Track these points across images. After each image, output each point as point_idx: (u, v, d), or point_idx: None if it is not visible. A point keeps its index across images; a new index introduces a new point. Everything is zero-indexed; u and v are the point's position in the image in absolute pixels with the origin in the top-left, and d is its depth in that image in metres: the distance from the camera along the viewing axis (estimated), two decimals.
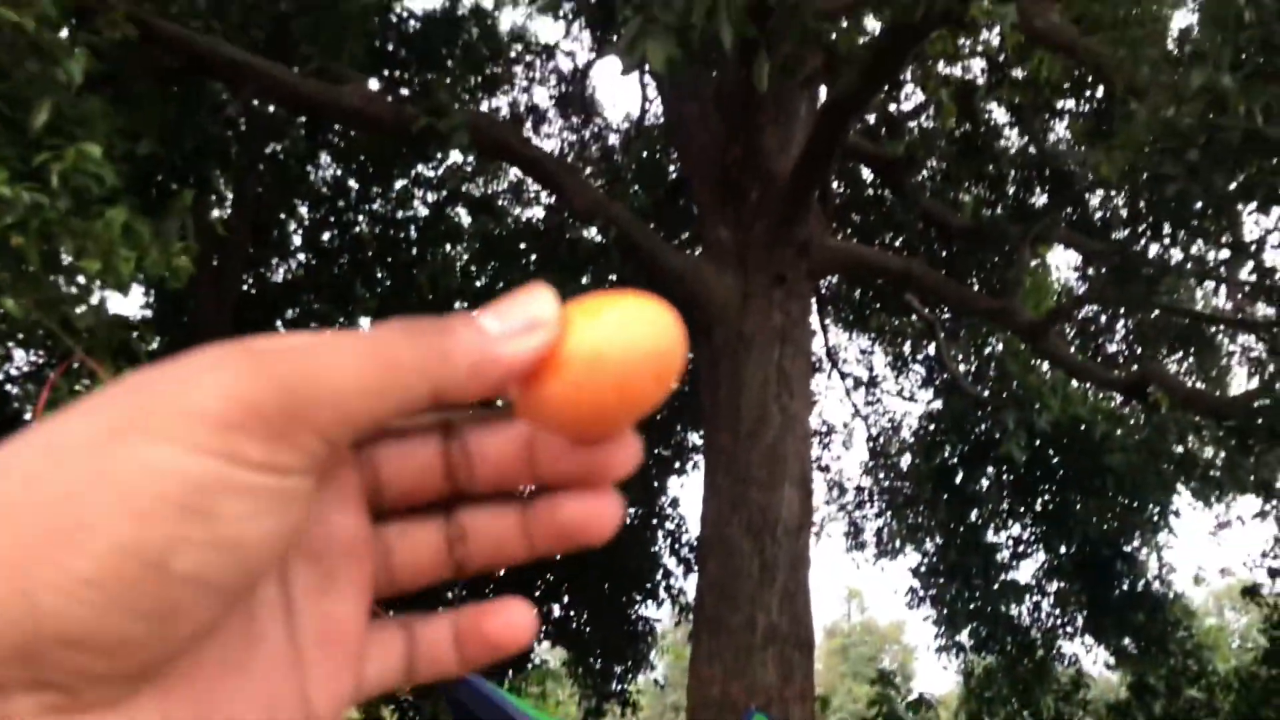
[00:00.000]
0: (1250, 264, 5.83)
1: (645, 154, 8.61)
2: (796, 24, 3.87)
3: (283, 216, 8.73)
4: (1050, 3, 5.34)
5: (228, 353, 0.31)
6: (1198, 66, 3.29)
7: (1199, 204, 5.32)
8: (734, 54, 3.47)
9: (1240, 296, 6.64)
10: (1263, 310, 6.61)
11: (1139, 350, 8.53)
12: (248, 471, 0.30)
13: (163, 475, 0.28)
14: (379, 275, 8.72)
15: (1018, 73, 7.47)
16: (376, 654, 0.39)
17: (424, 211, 8.77)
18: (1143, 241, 7.17)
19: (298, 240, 8.97)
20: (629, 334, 0.36)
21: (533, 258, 8.06)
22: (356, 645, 0.38)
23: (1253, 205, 5.39)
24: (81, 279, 3.96)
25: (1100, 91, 7.28)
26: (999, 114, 8.63)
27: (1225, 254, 6.70)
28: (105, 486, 0.28)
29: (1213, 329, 7.84)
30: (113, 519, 0.28)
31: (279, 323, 8.59)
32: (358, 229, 8.74)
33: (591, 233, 7.99)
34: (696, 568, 6.99)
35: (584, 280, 8.20)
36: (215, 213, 8.04)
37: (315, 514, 0.36)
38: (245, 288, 8.50)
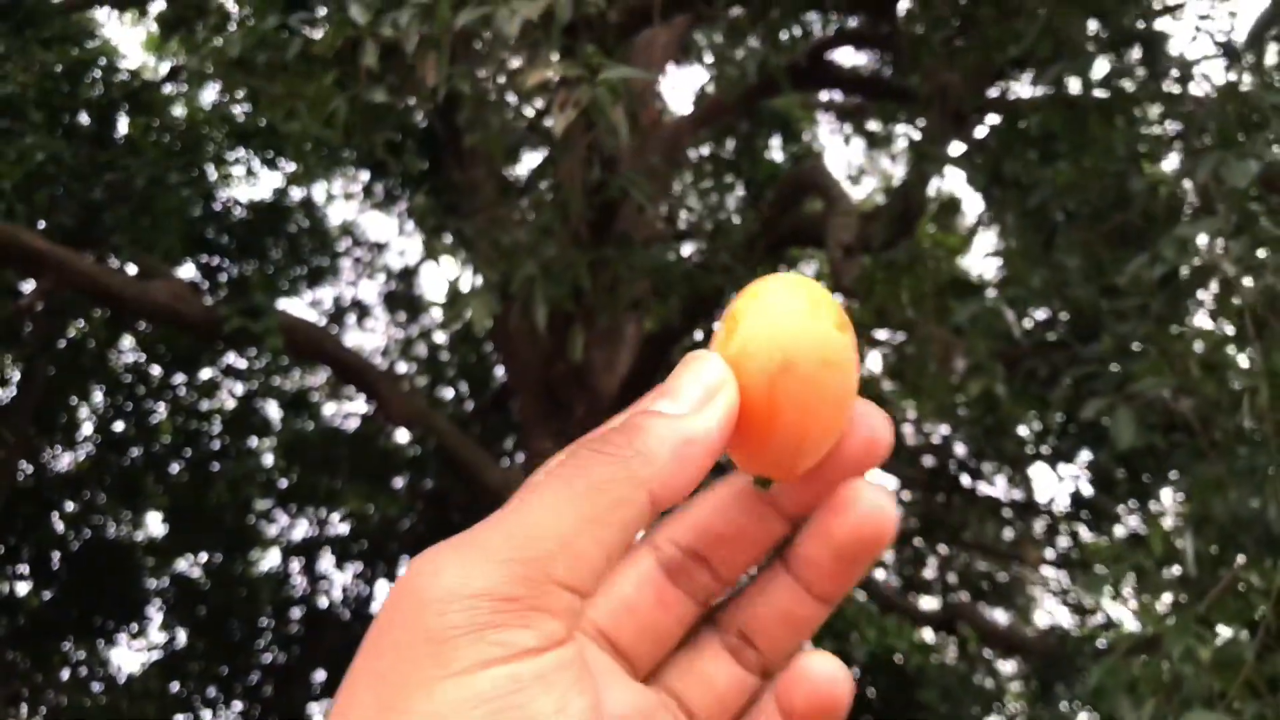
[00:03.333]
0: (1041, 517, 6.17)
1: (471, 358, 8.56)
2: (615, 300, 3.95)
3: (74, 402, 8.16)
4: (858, 262, 5.63)
5: (449, 559, 0.31)
6: (974, 378, 3.51)
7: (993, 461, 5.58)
8: (547, 328, 3.47)
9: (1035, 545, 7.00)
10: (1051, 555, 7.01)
11: (952, 580, 8.84)
12: (531, 659, 0.30)
13: (465, 700, 0.29)
14: (174, 470, 8.20)
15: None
16: None
17: (230, 404, 8.37)
18: (951, 471, 7.48)
19: (89, 428, 8.38)
20: (793, 331, 0.34)
21: (344, 462, 7.75)
22: None
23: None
24: None
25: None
26: None
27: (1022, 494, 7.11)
28: None
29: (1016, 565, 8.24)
30: None
31: (56, 516, 7.91)
32: (154, 418, 8.25)
33: (408, 437, 7.80)
34: None
35: (398, 485, 7.95)
36: None
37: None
38: (21, 479, 7.81)
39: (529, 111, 4.17)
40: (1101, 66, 3.62)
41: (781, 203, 6.25)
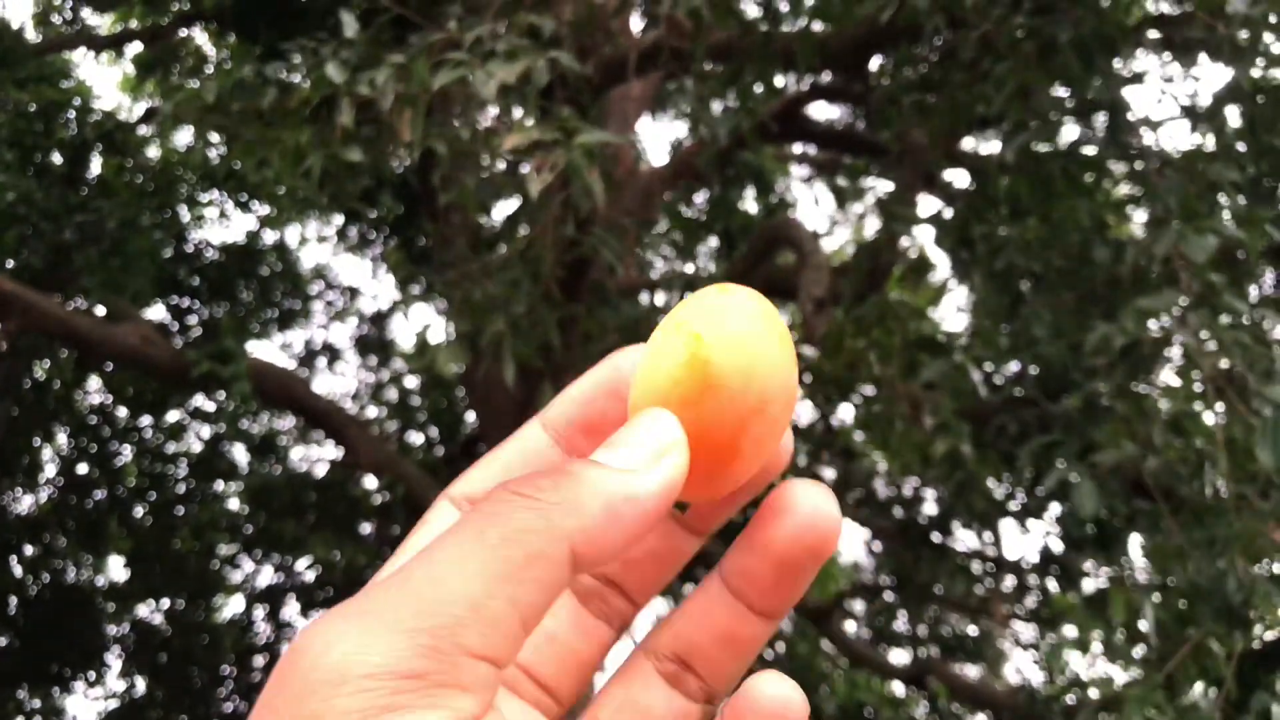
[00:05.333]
0: (1010, 573, 6.19)
1: (442, 403, 8.53)
2: (585, 355, 3.96)
3: (37, 443, 8.04)
4: (829, 316, 5.67)
5: (341, 630, 0.26)
6: (941, 437, 3.54)
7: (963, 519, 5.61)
8: (517, 378, 3.47)
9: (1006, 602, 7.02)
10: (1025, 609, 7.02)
11: (923, 633, 8.82)
12: None
13: None
14: (138, 513, 8.08)
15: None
16: None
17: (197, 447, 8.28)
18: (924, 524, 7.49)
19: (51, 470, 8.25)
20: (768, 368, 0.32)
21: (311, 508, 7.67)
22: None
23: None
24: None
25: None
26: None
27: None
28: None
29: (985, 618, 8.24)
30: None
31: (14, 560, 7.76)
32: (119, 461, 8.14)
33: (375, 485, 7.74)
34: None
35: (365, 532, 7.87)
36: None
37: None
38: None
39: (503, 167, 4.20)
40: (1069, 132, 3.71)
41: (754, 255, 6.31)
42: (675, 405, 0.32)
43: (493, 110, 3.49)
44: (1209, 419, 3.38)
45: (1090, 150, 3.66)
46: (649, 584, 0.37)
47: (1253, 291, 5.78)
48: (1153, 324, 3.22)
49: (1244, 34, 3.38)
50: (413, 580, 0.28)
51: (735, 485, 0.34)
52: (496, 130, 3.31)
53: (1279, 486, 3.22)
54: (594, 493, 0.30)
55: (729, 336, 0.32)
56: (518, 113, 3.42)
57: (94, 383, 8.25)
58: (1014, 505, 5.30)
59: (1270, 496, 3.26)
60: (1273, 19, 3.30)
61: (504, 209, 6.06)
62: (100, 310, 7.10)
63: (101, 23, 7.81)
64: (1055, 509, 5.10)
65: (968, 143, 5.49)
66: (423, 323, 9.16)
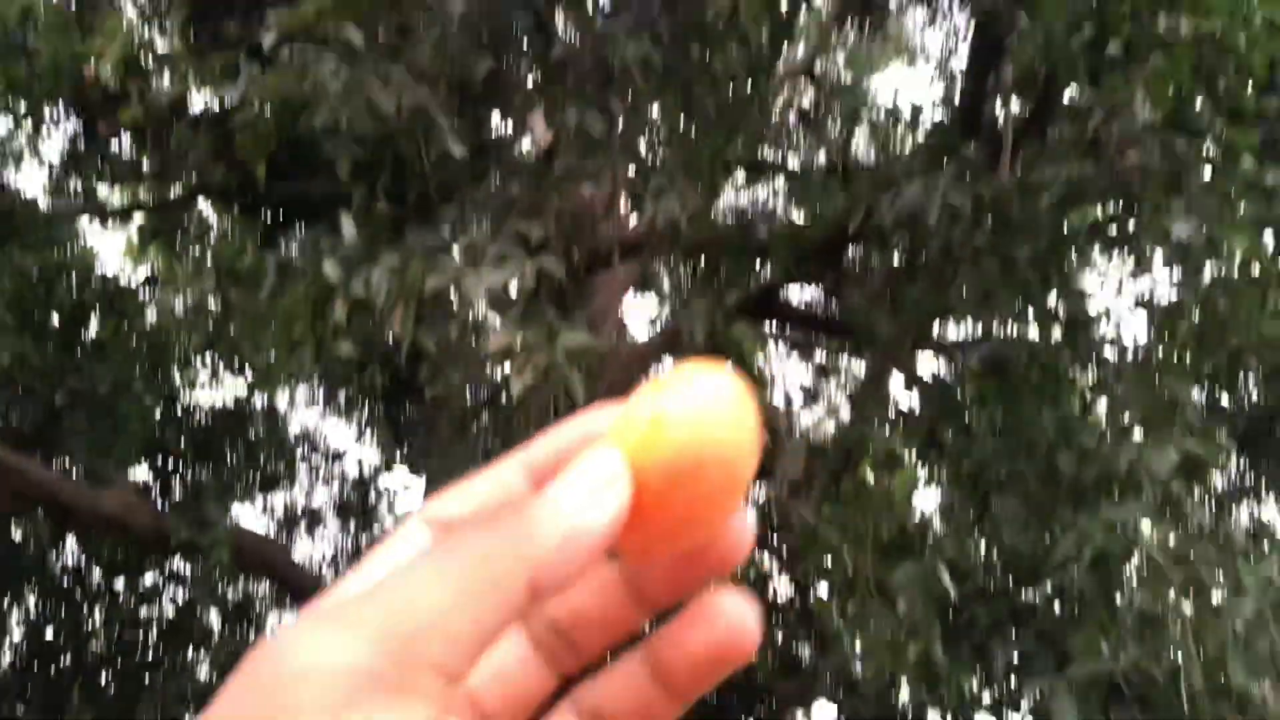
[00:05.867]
0: None
1: None
2: None
3: (4, 607, 7.90)
4: (804, 501, 5.72)
5: (310, 629, 0.28)
6: (912, 639, 3.55)
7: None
8: None
9: None
10: None
11: None
12: None
13: None
14: (104, 682, 7.86)
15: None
16: None
17: (170, 611, 8.14)
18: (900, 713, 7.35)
19: (18, 634, 8.07)
20: (698, 423, 0.33)
21: None
22: None
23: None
24: None
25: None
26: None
27: None
28: None
29: None
30: None
31: None
32: (89, 625, 7.98)
33: None
34: None
35: None
36: None
37: None
38: None
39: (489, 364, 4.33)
40: (1030, 340, 3.87)
41: None
42: (629, 461, 0.35)
43: (482, 310, 3.64)
44: (1179, 629, 3.41)
45: (1051, 357, 3.81)
46: (596, 644, 0.39)
47: (1219, 481, 5.88)
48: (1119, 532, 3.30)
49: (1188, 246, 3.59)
50: (384, 592, 0.29)
51: (676, 547, 0.36)
52: (484, 330, 3.45)
53: (1255, 701, 3.23)
54: (552, 527, 0.32)
55: (690, 412, 0.35)
56: (501, 317, 3.57)
57: (70, 542, 8.17)
58: (988, 699, 5.24)
59: (1247, 711, 3.27)
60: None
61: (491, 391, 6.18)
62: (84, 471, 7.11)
63: (111, 194, 8.10)
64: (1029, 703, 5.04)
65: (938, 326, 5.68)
66: (405, 487, 9.15)
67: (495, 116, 5.44)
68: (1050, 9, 3.78)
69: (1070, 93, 4.30)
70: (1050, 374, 3.91)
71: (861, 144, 7.86)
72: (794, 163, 8.76)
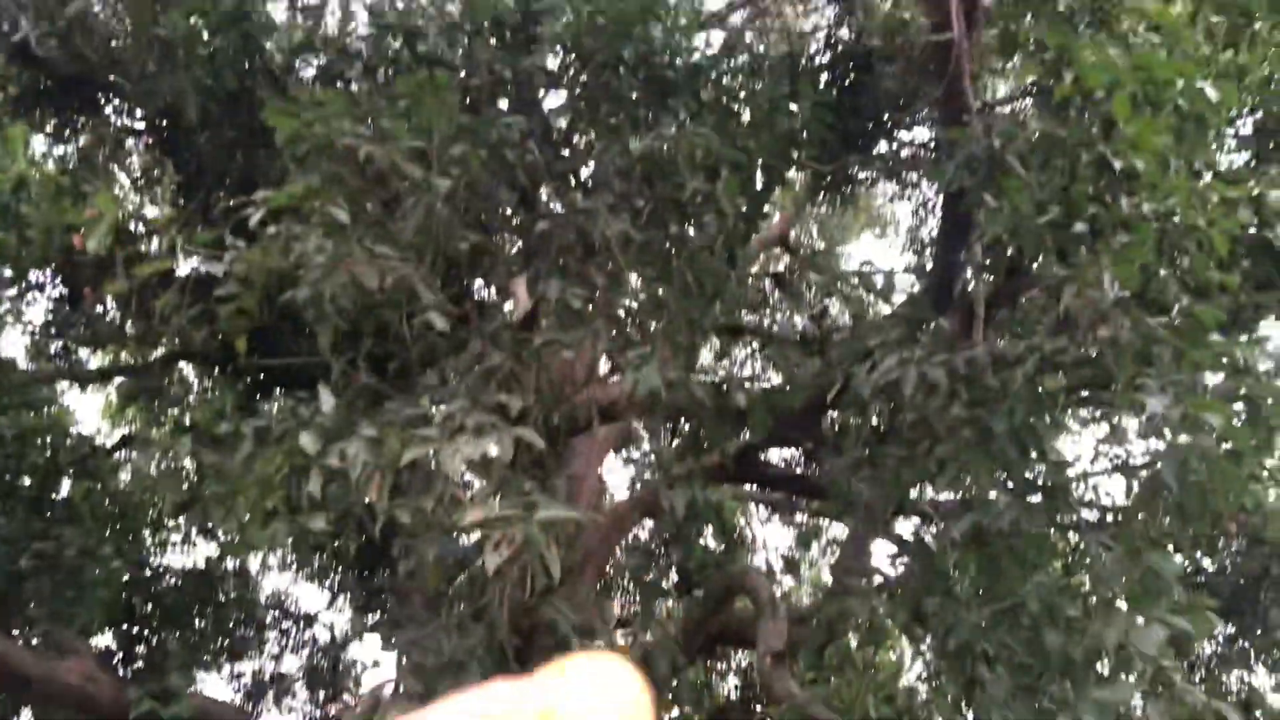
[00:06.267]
0: None
1: None
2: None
3: None
4: (786, 671, 5.57)
5: None
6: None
7: None
8: None
9: None
10: None
11: None
12: None
13: None
14: None
15: None
16: None
17: None
18: None
19: None
20: None
21: None
22: None
23: None
24: None
25: None
26: None
27: None
28: None
29: None
30: None
31: None
32: None
33: None
34: None
35: None
36: None
37: None
38: None
39: (464, 539, 4.28)
40: (1009, 513, 3.84)
41: (711, 601, 6.29)
42: None
43: (456, 481, 3.61)
44: None
45: (1033, 528, 3.79)
46: None
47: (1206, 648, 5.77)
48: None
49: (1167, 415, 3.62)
50: None
51: None
52: (460, 502, 3.41)
53: None
54: None
55: (580, 712, 0.35)
56: (478, 486, 3.54)
57: (25, 716, 7.81)
58: None
59: None
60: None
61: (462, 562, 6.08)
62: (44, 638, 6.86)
63: (92, 357, 8.12)
64: None
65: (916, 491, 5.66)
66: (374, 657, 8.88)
67: (477, 283, 5.55)
68: (1015, 191, 3.94)
69: (1038, 265, 4.43)
70: (1032, 542, 3.88)
71: (835, 309, 8.03)
72: (769, 326, 8.92)
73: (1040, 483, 3.79)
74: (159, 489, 8.08)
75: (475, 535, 3.45)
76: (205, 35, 6.46)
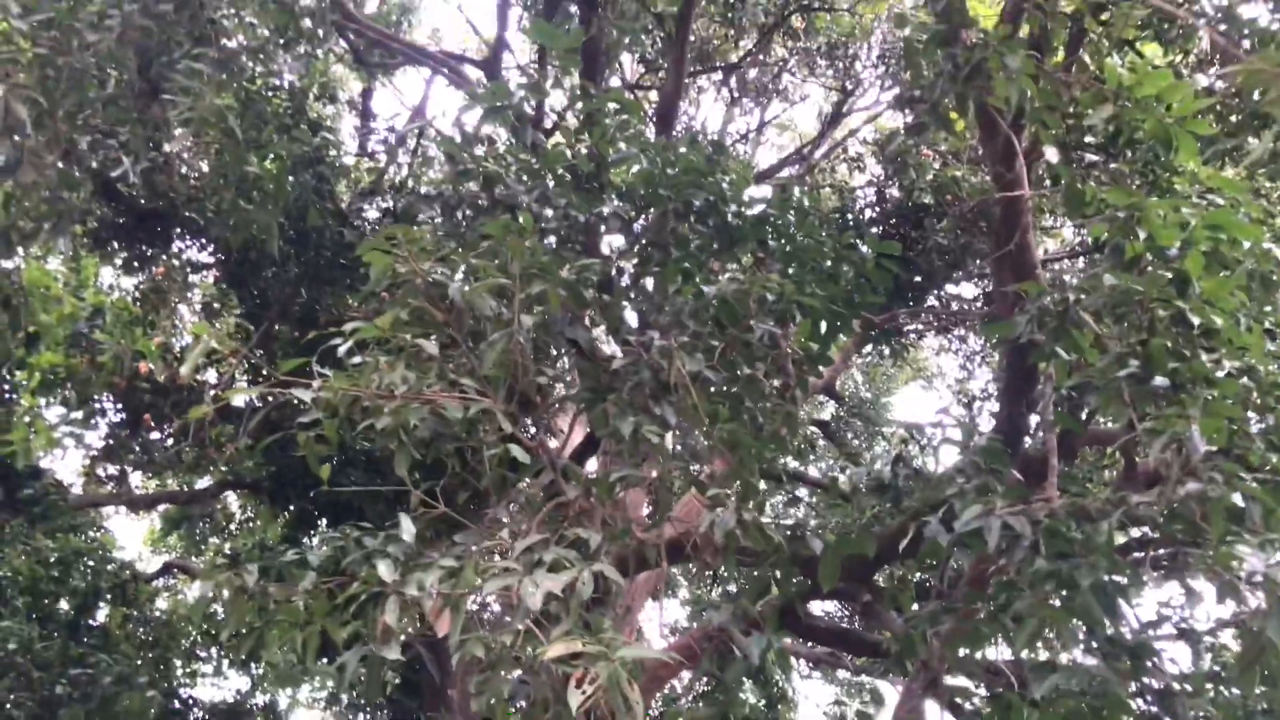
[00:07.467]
0: None
1: None
2: None
3: None
4: None
5: None
6: None
7: None
8: None
9: None
10: None
11: None
12: None
13: None
14: None
15: None
16: None
17: None
18: None
19: None
20: None
21: None
22: None
23: None
24: None
25: None
26: None
27: None
28: None
29: None
30: None
31: None
32: None
33: None
34: None
35: None
36: None
37: None
38: None
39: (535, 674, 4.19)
40: (1095, 674, 3.73)
41: None
42: None
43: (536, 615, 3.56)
44: None
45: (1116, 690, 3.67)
46: None
47: None
48: None
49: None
50: None
51: None
52: (538, 641, 3.35)
53: None
54: None
55: None
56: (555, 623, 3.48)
57: None
58: None
59: None
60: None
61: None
62: None
63: (145, 483, 8.18)
64: None
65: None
66: None
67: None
68: (1087, 346, 3.99)
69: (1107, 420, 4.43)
70: (1114, 707, 3.75)
71: (887, 458, 8.00)
72: (814, 473, 8.87)
73: (1125, 643, 3.69)
74: (197, 617, 7.99)
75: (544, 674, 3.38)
76: (289, 176, 6.75)
